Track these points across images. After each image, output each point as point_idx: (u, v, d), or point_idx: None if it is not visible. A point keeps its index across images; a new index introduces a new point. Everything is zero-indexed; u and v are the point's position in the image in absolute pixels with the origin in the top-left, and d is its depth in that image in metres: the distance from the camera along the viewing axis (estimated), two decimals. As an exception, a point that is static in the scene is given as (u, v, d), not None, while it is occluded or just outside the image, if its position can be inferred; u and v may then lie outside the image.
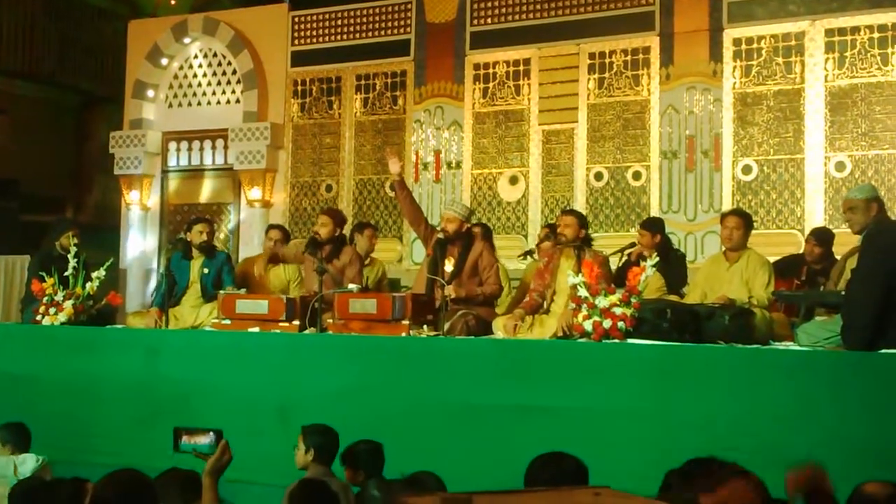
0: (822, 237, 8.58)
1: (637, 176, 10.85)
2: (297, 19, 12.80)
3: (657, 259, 7.10)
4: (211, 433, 4.15)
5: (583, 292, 6.74)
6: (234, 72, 13.02)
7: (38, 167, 15.90)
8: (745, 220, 7.76)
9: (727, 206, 10.20)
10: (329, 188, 12.41)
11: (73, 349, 8.18)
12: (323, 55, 12.58)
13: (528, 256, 9.55)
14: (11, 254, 13.00)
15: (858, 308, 6.17)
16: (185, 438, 4.18)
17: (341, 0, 12.73)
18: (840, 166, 10.03)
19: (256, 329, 7.83)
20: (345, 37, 12.50)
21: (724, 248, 7.94)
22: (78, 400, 7.98)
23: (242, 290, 8.55)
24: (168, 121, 13.45)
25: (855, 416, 5.59)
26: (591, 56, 11.15)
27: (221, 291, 8.38)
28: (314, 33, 12.67)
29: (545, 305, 7.71)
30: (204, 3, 15.21)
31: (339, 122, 12.45)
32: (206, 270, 8.90)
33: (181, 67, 13.46)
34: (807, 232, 9.34)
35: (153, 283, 12.49)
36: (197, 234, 8.97)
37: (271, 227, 9.71)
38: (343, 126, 12.42)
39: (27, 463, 6.28)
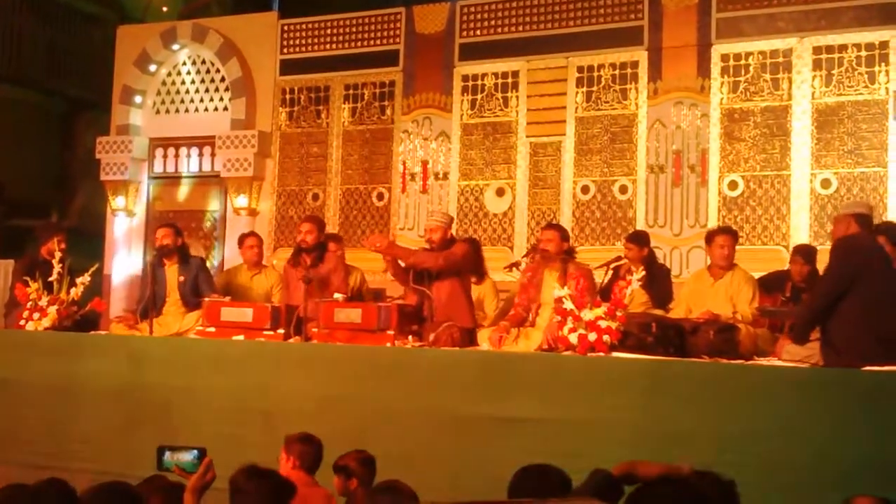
0: (809, 255, 8.61)
1: (624, 190, 10.87)
2: (286, 28, 12.79)
3: (643, 273, 7.12)
4: (194, 450, 4.13)
5: (568, 305, 6.75)
6: (223, 79, 13.00)
7: (23, 171, 15.88)
8: (734, 238, 7.83)
9: (713, 221, 10.23)
10: (316, 197, 12.39)
11: (57, 355, 8.15)
12: (312, 64, 12.57)
13: (514, 269, 9.55)
14: (-6, 257, 12.97)
15: (807, 304, 6.51)
16: (168, 455, 4.15)
17: (331, 9, 12.74)
18: (826, 183, 10.06)
19: (241, 337, 7.82)
20: (334, 46, 12.50)
21: (709, 265, 7.98)
22: (60, 406, 7.95)
23: (227, 298, 8.55)
24: (155, 127, 13.41)
25: (838, 431, 5.61)
26: (580, 69, 11.17)
27: (206, 299, 8.38)
28: (303, 42, 12.66)
29: (530, 318, 7.71)
30: (193, 9, 15.21)
31: (327, 131, 12.44)
32: (181, 278, 8.90)
33: (169, 74, 13.44)
34: (791, 248, 9.36)
35: (138, 290, 12.46)
36: (158, 239, 9.00)
37: (247, 235, 9.73)
38: (331, 135, 12.41)
39: None
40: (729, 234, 7.92)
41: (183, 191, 13.23)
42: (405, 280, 8.08)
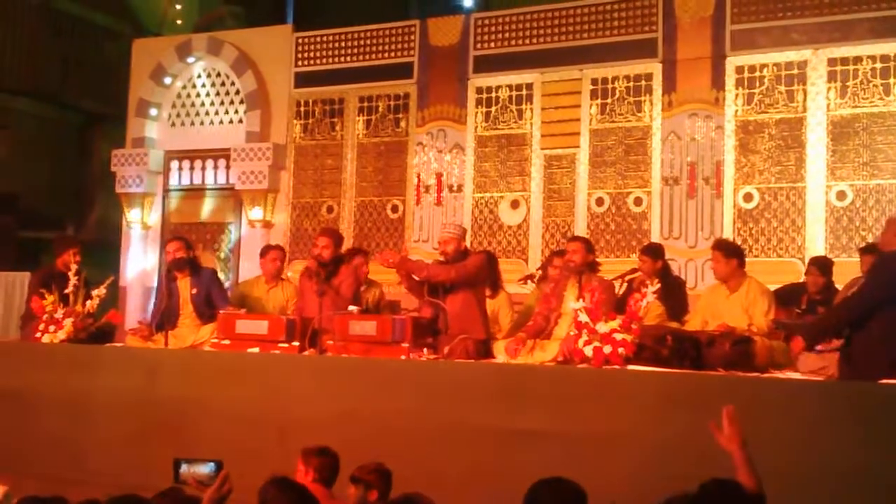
0: (825, 267, 8.58)
1: (638, 202, 10.85)
2: (301, 40, 12.83)
3: (658, 285, 7.10)
4: (211, 463, 4.13)
5: (584, 317, 6.75)
6: (238, 92, 13.04)
7: (39, 184, 15.96)
8: (723, 252, 7.76)
9: (728, 233, 10.22)
10: (330, 209, 12.41)
11: (73, 367, 8.17)
12: (326, 77, 12.61)
13: (529, 281, 9.56)
14: (7, 270, 13.02)
15: (833, 312, 6.37)
16: (184, 468, 4.15)
17: (345, 22, 12.78)
18: (841, 195, 10.03)
19: (256, 350, 7.83)
20: (348, 59, 12.53)
21: (720, 277, 7.97)
22: (76, 418, 7.97)
23: (242, 310, 8.56)
24: (170, 140, 13.46)
25: (853, 445, 5.58)
26: (594, 82, 11.18)
27: (221, 311, 8.39)
28: (318, 55, 12.70)
29: (549, 328, 7.71)
30: (208, 23, 15.27)
31: (342, 143, 12.46)
32: (194, 291, 8.90)
33: (184, 87, 13.49)
34: (807, 260, 9.33)
35: (153, 302, 12.49)
36: (169, 253, 9.03)
37: (271, 247, 9.71)
38: (345, 148, 12.43)
39: None
40: (717, 249, 7.88)
41: (198, 203, 13.27)
42: (420, 293, 8.09)
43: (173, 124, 13.51)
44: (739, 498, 3.61)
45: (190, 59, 13.32)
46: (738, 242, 9.65)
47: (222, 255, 12.93)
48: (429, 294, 7.97)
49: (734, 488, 3.68)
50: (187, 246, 9.14)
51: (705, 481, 3.65)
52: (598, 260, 8.09)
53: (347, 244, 10.88)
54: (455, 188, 11.77)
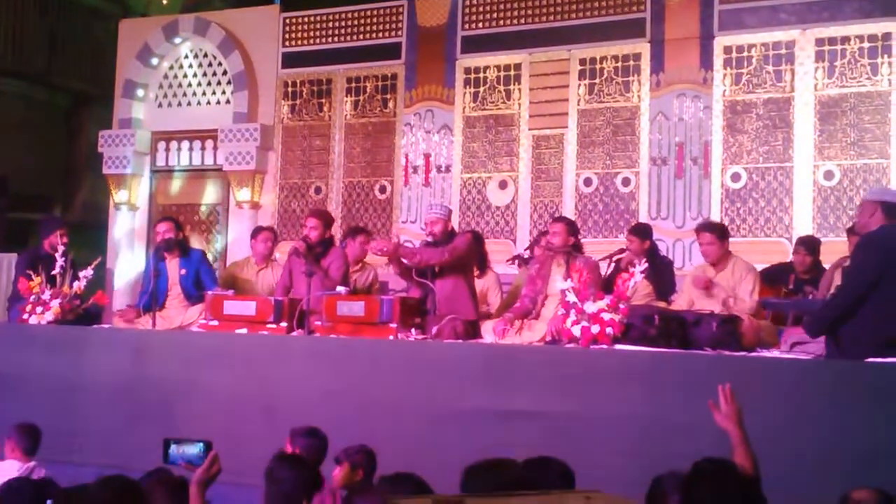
0: (812, 246, 8.61)
1: (626, 182, 10.86)
2: (288, 21, 12.78)
3: (646, 265, 7.12)
4: (200, 444, 4.14)
5: (571, 297, 6.75)
6: (225, 72, 12.99)
7: (26, 165, 15.86)
8: (716, 234, 7.76)
9: (716, 213, 10.23)
10: (318, 190, 12.39)
11: (60, 349, 8.15)
12: (314, 57, 12.56)
13: (517, 261, 9.56)
14: (-3, 251, 12.98)
15: (830, 302, 6.37)
16: (174, 448, 4.16)
17: (333, 2, 12.72)
18: (829, 175, 10.05)
19: (244, 331, 7.82)
20: (336, 39, 12.49)
21: (707, 258, 7.98)
22: (63, 400, 7.95)
23: (230, 291, 8.55)
24: (158, 120, 13.41)
25: (841, 424, 5.60)
26: (582, 62, 11.16)
27: (210, 292, 8.38)
28: (305, 35, 12.66)
29: (535, 310, 7.72)
30: (195, 3, 15.20)
31: (329, 124, 12.43)
32: (183, 272, 8.89)
33: (171, 67, 13.43)
34: (794, 240, 9.36)
35: (141, 284, 12.46)
36: (160, 234, 9.00)
37: (263, 229, 9.70)
38: (333, 128, 12.40)
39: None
40: (707, 230, 7.86)
41: (185, 184, 13.24)
42: (409, 276, 8.08)
43: (160, 105, 13.46)
44: (732, 477, 3.62)
45: (177, 40, 13.26)
46: (726, 222, 9.69)
47: (209, 237, 12.90)
48: (417, 275, 7.98)
49: (727, 468, 3.69)
50: (177, 227, 9.13)
51: (698, 460, 3.65)
52: (582, 241, 8.09)
53: (335, 225, 10.88)
54: (443, 169, 11.76)
